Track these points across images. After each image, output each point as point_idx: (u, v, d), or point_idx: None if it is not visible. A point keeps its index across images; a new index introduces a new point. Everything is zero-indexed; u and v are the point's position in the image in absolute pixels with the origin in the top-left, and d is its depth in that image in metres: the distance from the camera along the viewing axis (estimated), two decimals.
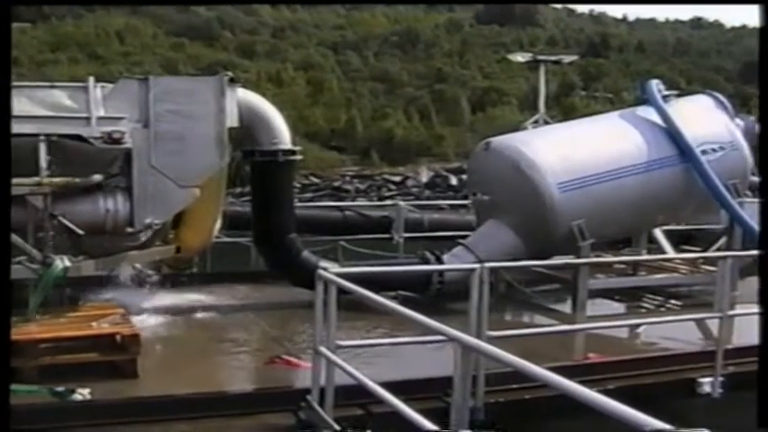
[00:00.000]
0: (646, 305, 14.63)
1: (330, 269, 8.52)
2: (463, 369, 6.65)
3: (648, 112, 14.94)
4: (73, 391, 9.01)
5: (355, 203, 33.49)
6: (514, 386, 8.73)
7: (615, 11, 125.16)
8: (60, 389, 9.06)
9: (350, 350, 8.40)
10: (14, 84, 12.85)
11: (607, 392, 4.39)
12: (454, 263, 13.67)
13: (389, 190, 61.32)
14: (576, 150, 14.27)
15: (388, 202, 28.20)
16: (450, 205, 26.86)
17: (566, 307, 14.00)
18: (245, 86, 13.23)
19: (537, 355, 5.49)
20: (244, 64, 75.42)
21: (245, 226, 14.80)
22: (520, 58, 38.09)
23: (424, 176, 65.40)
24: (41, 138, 10.81)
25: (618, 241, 16.56)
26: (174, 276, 14.01)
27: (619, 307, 14.52)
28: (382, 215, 18.61)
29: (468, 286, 8.51)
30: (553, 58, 35.45)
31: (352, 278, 8.18)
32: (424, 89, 79.01)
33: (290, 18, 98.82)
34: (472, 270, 8.46)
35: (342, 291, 7.95)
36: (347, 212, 18.41)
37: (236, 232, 16.03)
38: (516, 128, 24.67)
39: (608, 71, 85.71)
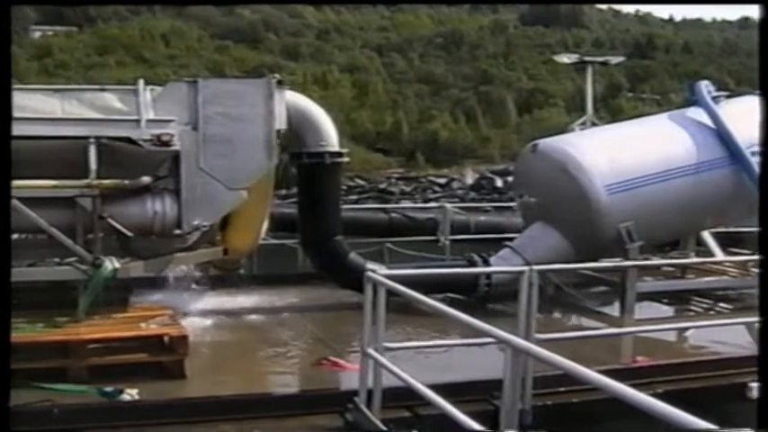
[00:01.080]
0: (694, 308, 14.51)
1: (378, 271, 8.51)
2: (513, 372, 6.62)
3: (698, 114, 14.81)
4: (121, 392, 9.09)
5: (401, 205, 33.49)
6: (561, 389, 8.69)
7: (661, 11, 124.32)
8: (109, 389, 9.15)
9: (394, 352, 8.38)
10: (64, 87, 13.04)
11: (656, 396, 4.34)
12: (501, 265, 13.66)
13: (434, 192, 61.20)
14: (624, 152, 14.18)
15: (434, 204, 28.11)
16: (496, 207, 26.74)
17: (613, 310, 13.92)
18: (291, 89, 13.26)
19: (584, 358, 5.45)
20: (289, 66, 75.51)
21: (291, 228, 14.84)
22: (566, 59, 37.69)
23: (470, 178, 65.21)
24: (91, 140, 10.86)
25: (666, 244, 16.43)
26: (222, 278, 14.08)
27: (667, 310, 14.41)
28: (428, 217, 18.62)
29: (515, 289, 8.48)
30: (600, 59, 35.11)
31: (400, 280, 8.17)
32: (469, 91, 78.80)
33: (335, 20, 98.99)
34: (521, 273, 8.41)
35: (389, 293, 7.94)
36: (393, 214, 18.43)
37: (283, 234, 16.08)
38: (563, 130, 24.50)
39: (655, 72, 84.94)
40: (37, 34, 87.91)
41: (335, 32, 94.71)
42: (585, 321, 13.76)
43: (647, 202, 13.60)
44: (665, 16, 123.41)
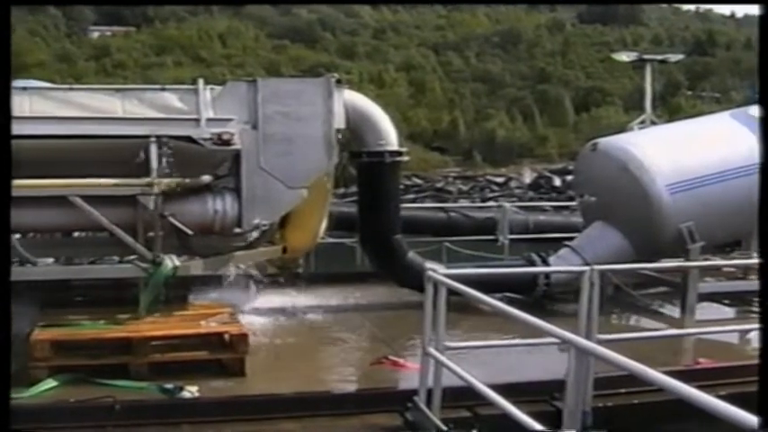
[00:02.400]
0: (756, 310, 14.31)
1: (438, 271, 8.49)
2: (577, 372, 6.57)
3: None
4: (182, 389, 9.16)
5: (459, 204, 33.42)
6: (622, 390, 8.62)
7: (722, 8, 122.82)
8: (169, 386, 9.22)
9: (452, 351, 8.34)
10: (125, 86, 13.17)
11: (719, 399, 4.29)
12: (560, 265, 13.58)
13: (492, 191, 61.00)
14: (686, 151, 14.04)
15: (492, 203, 28.03)
16: (554, 206, 26.60)
17: (673, 310, 13.79)
18: (349, 88, 13.27)
19: (645, 359, 5.38)
20: (345, 65, 75.62)
21: (350, 227, 14.86)
22: (625, 57, 37.37)
23: (528, 177, 64.98)
24: (152, 139, 10.95)
25: (727, 244, 16.23)
26: (281, 277, 14.12)
27: (728, 311, 14.23)
28: (487, 216, 18.55)
29: (574, 289, 8.43)
30: (659, 57, 34.73)
31: (459, 279, 8.14)
32: (526, 89, 78.53)
33: (391, 19, 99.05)
34: (582, 273, 8.34)
35: (450, 292, 7.92)
36: (452, 214, 18.39)
37: (342, 233, 16.10)
38: (621, 128, 24.33)
39: (715, 70, 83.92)
40: (95, 34, 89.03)
41: (392, 31, 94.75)
42: (645, 322, 13.66)
43: (708, 202, 13.45)
44: (727, 12, 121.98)
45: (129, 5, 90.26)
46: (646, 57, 33.16)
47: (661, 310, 14.05)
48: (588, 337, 7.88)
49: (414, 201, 44.14)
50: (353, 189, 15.22)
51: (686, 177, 13.55)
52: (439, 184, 62.81)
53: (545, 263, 13.82)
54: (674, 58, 38.75)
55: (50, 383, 9.32)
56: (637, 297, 14.12)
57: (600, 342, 7.63)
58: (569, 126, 71.58)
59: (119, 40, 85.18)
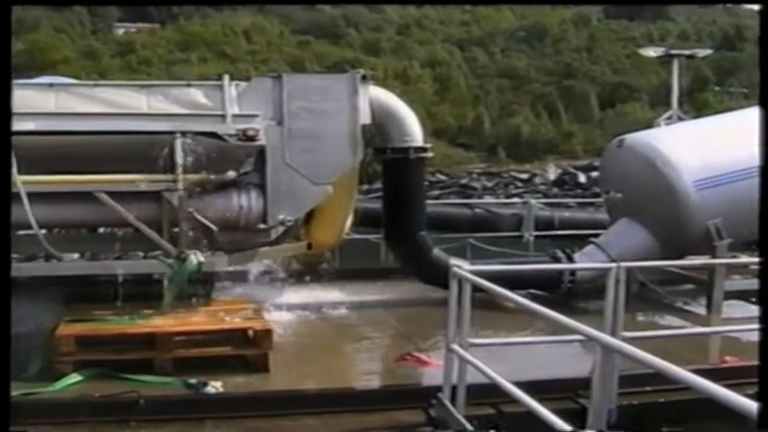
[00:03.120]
0: None
1: (464, 267, 8.47)
2: (603, 370, 6.54)
3: None
4: (206, 384, 9.20)
5: (483, 201, 33.36)
6: (647, 388, 8.58)
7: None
8: (193, 381, 9.28)
9: (475, 348, 8.31)
10: (150, 82, 13.22)
11: (746, 397, 4.26)
12: (585, 262, 13.55)
13: (517, 187, 60.83)
14: (713, 147, 13.95)
15: (517, 199, 27.96)
16: (579, 203, 26.52)
17: (699, 308, 13.71)
18: (375, 84, 13.25)
19: (671, 356, 5.35)
20: (370, 61, 75.38)
21: (375, 223, 14.85)
22: (652, 52, 37.26)
23: (552, 174, 64.77)
24: (177, 135, 10.97)
25: (754, 242, 16.12)
26: (305, 273, 14.12)
27: (755, 309, 14.11)
28: (512, 213, 18.51)
29: (600, 286, 8.40)
30: (687, 52, 34.58)
31: (484, 276, 8.12)
32: (551, 85, 78.06)
33: (415, 15, 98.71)
34: (608, 270, 8.31)
35: (474, 288, 7.90)
36: (477, 210, 18.36)
37: (367, 229, 16.10)
38: (647, 124, 24.22)
39: (743, 65, 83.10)
40: (120, 31, 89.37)
41: (416, 27, 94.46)
42: (671, 319, 13.56)
43: (735, 199, 13.32)
44: (755, 7, 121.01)
45: (151, 5, 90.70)
46: (673, 52, 33.07)
47: (687, 307, 13.98)
48: (613, 334, 7.85)
49: (438, 197, 44.09)
50: (377, 185, 15.21)
51: (714, 174, 13.46)
52: (463, 181, 62.67)
53: (570, 260, 13.79)
54: (701, 53, 38.59)
55: (75, 378, 9.38)
56: (662, 294, 14.07)
57: (625, 339, 7.59)
58: (595, 122, 71.16)
59: (143, 37, 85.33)
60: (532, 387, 7.16)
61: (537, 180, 63.89)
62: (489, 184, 62.34)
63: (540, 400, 6.72)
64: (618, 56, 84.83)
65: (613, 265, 8.49)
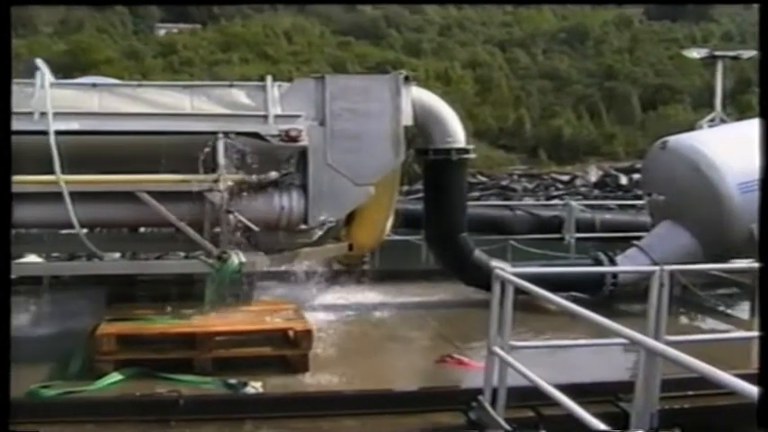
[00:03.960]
0: None
1: (506, 269, 8.42)
2: (646, 374, 6.48)
3: None
4: (245, 384, 9.21)
5: (524, 203, 33.24)
6: (690, 392, 8.50)
7: None
8: (233, 381, 9.28)
9: (515, 351, 8.27)
10: (193, 83, 13.28)
11: None
12: (627, 264, 13.45)
13: (557, 189, 60.70)
14: (757, 150, 13.77)
15: (557, 201, 27.84)
16: (620, 205, 26.35)
17: (742, 312, 13.57)
18: (417, 85, 13.20)
19: (713, 361, 5.29)
20: (411, 62, 75.42)
21: (415, 224, 14.81)
22: (695, 53, 36.72)
23: (593, 176, 64.52)
24: (220, 135, 10.98)
25: None
26: (346, 273, 14.11)
27: None
28: (553, 215, 18.40)
29: (641, 289, 8.33)
30: (731, 53, 34.13)
31: (526, 278, 8.07)
32: (593, 87, 77.83)
33: (457, 16, 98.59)
34: (651, 273, 8.23)
35: (516, 291, 7.85)
36: (518, 212, 18.28)
37: (407, 230, 16.07)
38: (690, 126, 23.98)
39: None
40: (162, 32, 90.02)
41: (457, 28, 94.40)
42: (713, 323, 13.45)
43: None
44: None
45: (192, 4, 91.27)
46: (717, 53, 32.59)
47: (729, 311, 13.84)
48: (656, 337, 7.78)
49: (479, 198, 43.95)
50: (417, 186, 15.18)
51: (758, 176, 13.30)
52: (504, 182, 62.62)
53: (612, 262, 13.70)
54: (746, 54, 37.99)
55: (116, 377, 9.41)
56: (704, 298, 13.94)
57: (668, 343, 7.52)
58: (636, 124, 70.87)
59: (185, 38, 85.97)
60: (573, 390, 7.10)
61: (578, 182, 63.72)
62: (530, 186, 62.27)
63: (581, 404, 6.66)
64: (660, 57, 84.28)
65: (657, 268, 8.41)
